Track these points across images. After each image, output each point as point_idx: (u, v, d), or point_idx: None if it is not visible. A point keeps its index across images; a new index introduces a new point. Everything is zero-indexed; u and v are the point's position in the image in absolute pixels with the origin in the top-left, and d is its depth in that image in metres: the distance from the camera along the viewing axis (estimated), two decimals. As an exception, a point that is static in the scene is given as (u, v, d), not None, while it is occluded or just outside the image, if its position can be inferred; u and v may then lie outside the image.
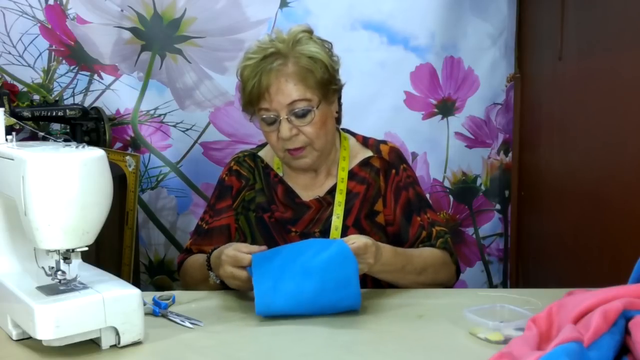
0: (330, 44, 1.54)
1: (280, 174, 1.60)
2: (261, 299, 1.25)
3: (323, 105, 1.49)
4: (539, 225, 2.22)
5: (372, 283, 1.48)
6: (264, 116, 1.48)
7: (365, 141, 1.64)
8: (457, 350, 1.11)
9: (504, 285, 2.43)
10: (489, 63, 2.29)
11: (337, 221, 1.53)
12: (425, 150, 2.30)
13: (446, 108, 2.29)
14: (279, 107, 1.45)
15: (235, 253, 1.30)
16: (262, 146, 1.68)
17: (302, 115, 1.46)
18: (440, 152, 2.32)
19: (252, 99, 1.47)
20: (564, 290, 1.17)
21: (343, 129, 1.66)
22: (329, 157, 1.57)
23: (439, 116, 2.29)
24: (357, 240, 1.29)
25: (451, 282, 1.54)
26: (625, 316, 0.93)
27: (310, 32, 1.52)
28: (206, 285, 1.46)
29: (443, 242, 1.53)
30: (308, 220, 1.55)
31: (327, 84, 1.49)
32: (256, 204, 1.59)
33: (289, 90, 1.44)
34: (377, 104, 2.25)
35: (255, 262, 1.28)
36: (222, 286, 1.39)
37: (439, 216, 1.66)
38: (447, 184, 2.34)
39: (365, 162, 1.59)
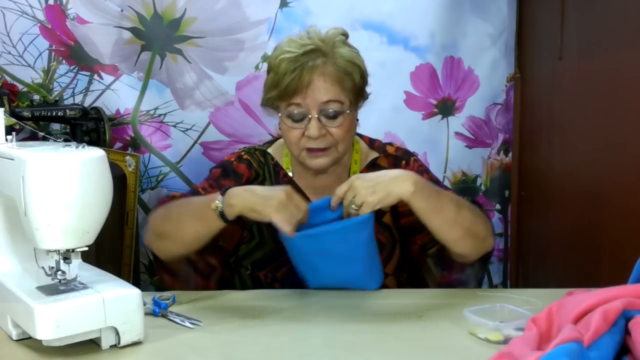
0: (358, 50, 1.51)
1: (290, 174, 1.57)
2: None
3: (352, 110, 1.47)
4: (539, 225, 2.22)
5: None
6: (294, 112, 1.43)
7: (371, 143, 1.63)
8: (457, 350, 1.11)
9: (504, 285, 2.43)
10: (489, 63, 2.29)
11: None
12: (425, 150, 2.30)
13: (446, 108, 2.29)
14: (312, 104, 1.42)
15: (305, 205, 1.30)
16: (269, 143, 1.65)
17: (334, 116, 1.43)
18: (440, 152, 2.32)
19: (287, 93, 1.42)
20: (564, 290, 1.17)
21: None
22: (341, 162, 1.55)
23: (439, 116, 2.29)
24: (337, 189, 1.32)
25: (488, 240, 1.41)
26: (625, 316, 0.93)
27: (346, 35, 1.50)
28: (192, 226, 1.36)
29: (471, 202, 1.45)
30: None
31: (360, 90, 1.48)
32: None
33: (325, 89, 1.41)
34: (377, 104, 2.21)
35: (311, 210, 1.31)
36: (221, 217, 1.30)
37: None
38: (447, 184, 2.33)
39: (372, 164, 1.58)
